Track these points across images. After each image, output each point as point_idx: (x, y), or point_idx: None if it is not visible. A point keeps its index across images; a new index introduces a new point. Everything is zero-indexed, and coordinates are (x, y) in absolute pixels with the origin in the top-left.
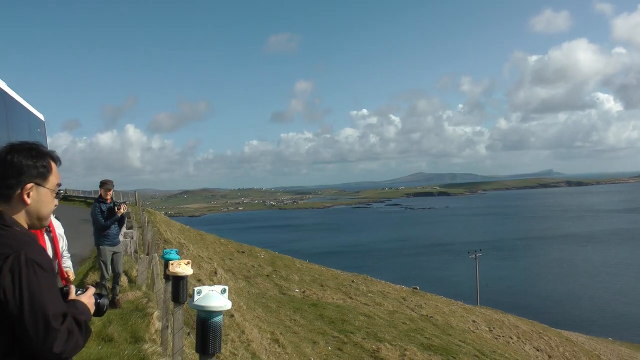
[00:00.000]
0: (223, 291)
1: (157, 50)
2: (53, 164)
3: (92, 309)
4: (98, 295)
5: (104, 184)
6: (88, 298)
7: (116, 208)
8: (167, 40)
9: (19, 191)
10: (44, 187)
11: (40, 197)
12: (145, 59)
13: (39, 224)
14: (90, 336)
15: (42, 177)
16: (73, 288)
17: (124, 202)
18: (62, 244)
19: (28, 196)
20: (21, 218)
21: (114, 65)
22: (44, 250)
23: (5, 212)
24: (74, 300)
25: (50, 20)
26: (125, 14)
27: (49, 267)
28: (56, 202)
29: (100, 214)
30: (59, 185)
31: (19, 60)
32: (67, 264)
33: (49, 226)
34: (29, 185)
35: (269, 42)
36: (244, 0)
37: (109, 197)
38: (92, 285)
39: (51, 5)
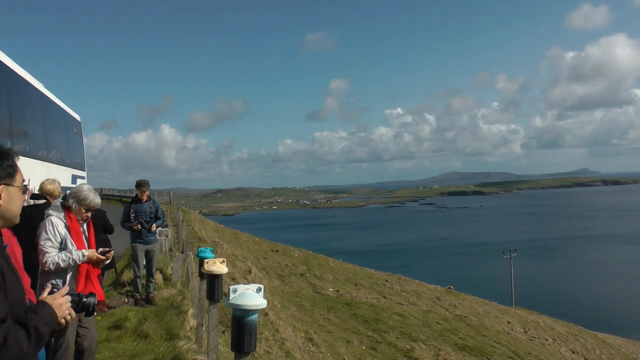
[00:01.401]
0: (258, 290)
1: (195, 50)
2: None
3: (61, 310)
4: (84, 295)
5: (139, 186)
6: (53, 299)
7: (135, 221)
8: (205, 39)
9: None
10: (13, 185)
11: (10, 197)
12: (182, 58)
13: (11, 222)
14: (44, 342)
15: (10, 177)
16: (48, 287)
17: (141, 222)
18: None
19: (0, 198)
20: None
21: (152, 66)
22: None
23: None
24: (39, 302)
25: (90, 26)
26: (162, 16)
27: None
28: (25, 198)
29: (125, 215)
30: (23, 181)
31: (60, 62)
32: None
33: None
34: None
35: (306, 41)
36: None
37: (144, 197)
38: (127, 283)
39: (90, 11)
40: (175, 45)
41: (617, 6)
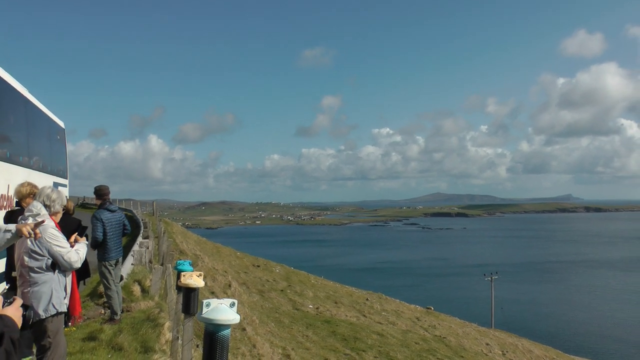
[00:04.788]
0: (232, 305)
1: (190, 60)
2: None
3: (19, 321)
4: (24, 307)
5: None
6: (15, 310)
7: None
8: (201, 49)
9: None
10: None
11: None
12: (176, 69)
13: None
14: (20, 351)
15: None
16: (0, 299)
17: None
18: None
19: None
20: None
21: (145, 76)
22: None
23: None
24: (3, 315)
25: (83, 32)
26: (157, 27)
27: None
28: None
29: None
30: None
31: (52, 68)
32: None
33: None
34: None
35: (303, 56)
36: (281, 14)
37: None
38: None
39: (83, 17)
40: (170, 56)
41: (612, 35)
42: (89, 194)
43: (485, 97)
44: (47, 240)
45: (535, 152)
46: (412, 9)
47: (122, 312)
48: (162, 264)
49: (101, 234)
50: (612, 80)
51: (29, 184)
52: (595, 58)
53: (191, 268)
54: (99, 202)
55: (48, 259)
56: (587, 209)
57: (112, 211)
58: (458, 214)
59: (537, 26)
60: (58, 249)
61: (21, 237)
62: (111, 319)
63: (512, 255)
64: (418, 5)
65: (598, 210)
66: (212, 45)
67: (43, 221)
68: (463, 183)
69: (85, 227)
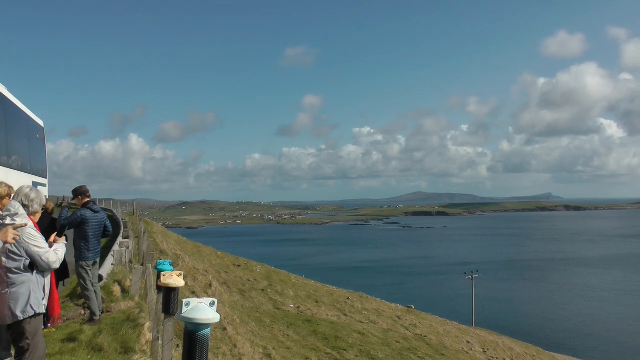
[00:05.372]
0: (212, 304)
1: (170, 59)
2: None
3: None
4: None
5: None
6: None
7: None
8: (182, 48)
9: None
10: None
11: None
12: (158, 67)
13: None
14: None
15: None
16: None
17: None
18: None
19: None
20: None
21: (127, 74)
22: None
23: None
24: None
25: (64, 31)
26: (138, 26)
27: None
28: None
29: None
30: None
31: (31, 66)
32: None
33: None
34: None
35: (285, 54)
36: (263, 12)
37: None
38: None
39: (63, 16)
40: (151, 54)
41: (593, 35)
42: (69, 193)
43: (467, 97)
44: (25, 241)
45: (515, 151)
46: (395, 9)
47: (102, 313)
48: (142, 264)
49: (64, 220)
50: (592, 80)
51: (6, 185)
52: (575, 58)
53: (171, 268)
54: (84, 200)
55: (26, 259)
56: (567, 207)
57: (95, 211)
58: (439, 213)
59: (519, 26)
60: (36, 249)
61: (6, 243)
62: (91, 320)
63: (493, 253)
64: (401, 5)
65: (578, 208)
66: (193, 43)
67: (25, 224)
68: (443, 182)
69: (65, 227)
